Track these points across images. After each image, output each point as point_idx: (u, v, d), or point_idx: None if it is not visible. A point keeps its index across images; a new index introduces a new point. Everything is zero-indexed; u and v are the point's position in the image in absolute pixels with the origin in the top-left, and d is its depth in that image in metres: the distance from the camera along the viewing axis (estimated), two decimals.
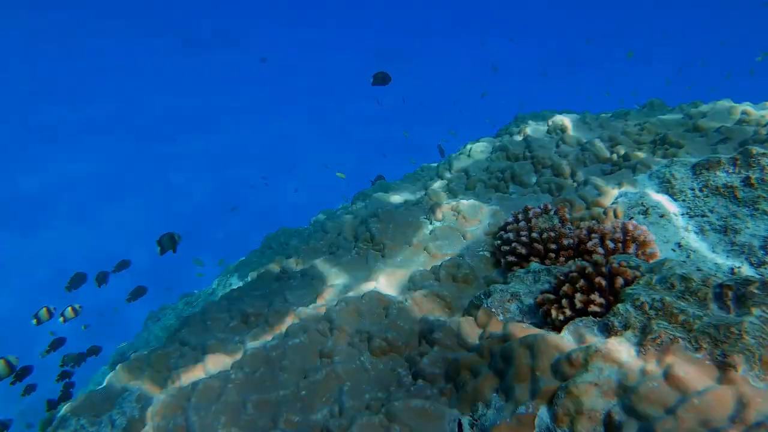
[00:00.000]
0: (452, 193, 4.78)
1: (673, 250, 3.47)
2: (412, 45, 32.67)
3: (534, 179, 4.59)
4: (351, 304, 3.02)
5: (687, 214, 3.66)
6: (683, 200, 3.74)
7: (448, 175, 5.06)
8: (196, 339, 3.63)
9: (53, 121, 25.85)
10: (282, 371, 2.81)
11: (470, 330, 2.61)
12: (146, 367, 3.71)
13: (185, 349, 3.63)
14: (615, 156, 4.49)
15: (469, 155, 5.34)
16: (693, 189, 3.73)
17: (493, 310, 2.58)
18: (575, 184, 4.36)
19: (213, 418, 2.59)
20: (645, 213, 3.75)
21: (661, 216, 3.69)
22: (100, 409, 3.78)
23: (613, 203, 3.77)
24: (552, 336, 2.11)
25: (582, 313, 2.19)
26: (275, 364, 2.85)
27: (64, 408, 3.98)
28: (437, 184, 4.92)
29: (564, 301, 2.24)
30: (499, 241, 3.46)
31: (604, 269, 2.24)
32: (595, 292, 2.16)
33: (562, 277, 2.39)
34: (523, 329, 2.27)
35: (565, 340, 2.10)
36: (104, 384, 4.23)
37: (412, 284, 3.24)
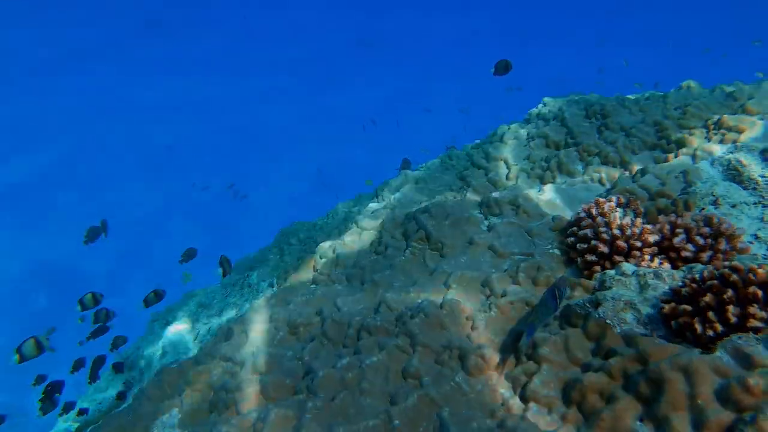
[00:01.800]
0: (493, 184, 4.50)
1: (751, 243, 3.27)
2: (394, 32, 31.51)
3: (581, 168, 4.34)
4: (432, 316, 2.72)
5: (760, 203, 3.47)
6: (754, 188, 3.55)
7: (485, 164, 4.76)
8: (241, 354, 3.28)
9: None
10: (363, 395, 2.50)
11: (580, 344, 2.35)
12: (183, 385, 3.34)
13: (229, 366, 3.27)
14: (665, 142, 4.28)
15: (502, 141, 5.05)
16: (764, 176, 3.54)
17: (608, 321, 2.32)
18: (627, 173, 4.14)
19: None
20: (715, 203, 3.55)
21: (733, 206, 3.50)
22: None
23: (681, 194, 3.55)
24: (709, 357, 1.86)
25: (736, 328, 1.95)
26: (354, 388, 2.53)
27: (89, 430, 3.59)
28: (477, 176, 4.63)
29: (711, 314, 1.99)
30: (573, 238, 3.20)
31: (751, 276, 2.00)
32: (754, 305, 1.91)
33: (694, 285, 2.14)
34: (661, 347, 2.02)
35: (725, 361, 1.86)
36: (129, 402, 3.83)
37: (489, 290, 2.95)
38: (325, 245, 4.34)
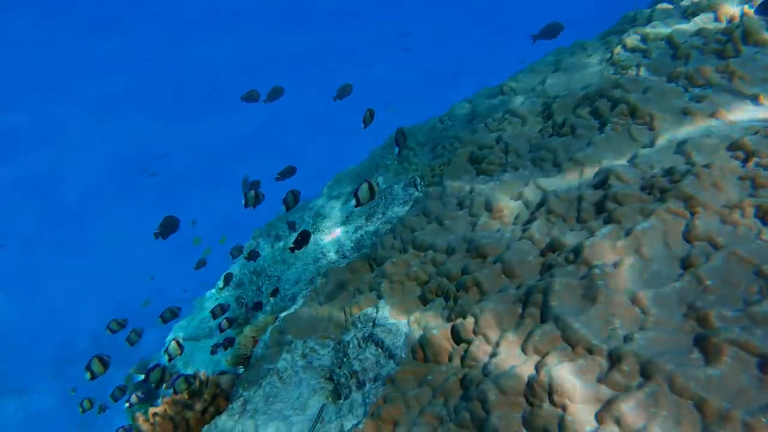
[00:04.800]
0: (661, 65, 4.06)
1: None
2: None
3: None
4: (704, 176, 2.40)
5: None
6: None
7: (642, 45, 4.31)
8: (443, 241, 3.01)
9: None
10: (648, 261, 2.23)
11: None
12: (379, 278, 3.12)
13: (430, 254, 3.02)
14: None
15: (652, 19, 4.55)
16: None
17: None
18: None
19: (615, 325, 2.02)
20: None
21: None
22: (324, 330, 3.23)
23: None
24: None
25: None
26: (632, 255, 2.26)
27: (272, 330, 3.42)
28: (634, 57, 4.19)
29: None
30: None
31: None
32: None
33: None
34: None
35: None
36: (298, 304, 3.65)
37: (742, 152, 2.61)
38: (481, 136, 4.00)
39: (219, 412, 3.71)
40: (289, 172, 4.86)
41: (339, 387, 2.81)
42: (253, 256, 4.81)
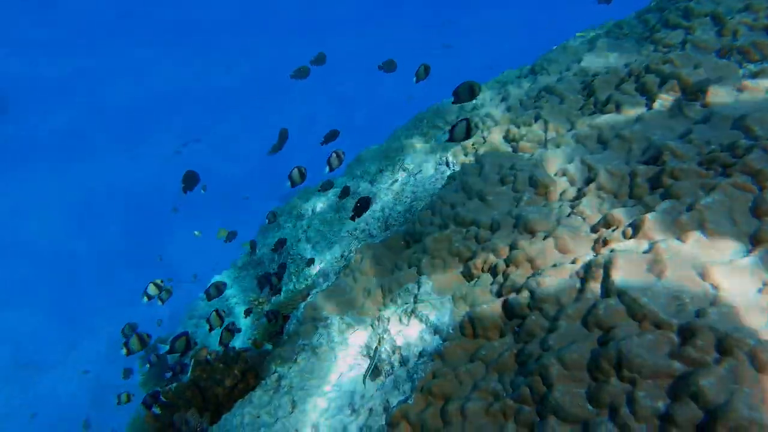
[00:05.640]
0: (702, 42, 3.93)
1: None
2: None
3: None
4: None
5: None
6: None
7: (685, 22, 4.16)
8: (486, 217, 2.93)
9: None
10: (718, 237, 2.14)
11: None
12: (419, 255, 3.05)
13: (473, 230, 2.94)
14: None
15: None
16: None
17: None
18: None
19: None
20: None
21: None
22: (361, 306, 3.17)
23: None
24: None
25: None
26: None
27: (305, 306, 3.36)
28: (677, 35, 4.05)
29: None
30: None
31: None
32: None
33: None
34: None
35: None
36: (335, 281, 3.58)
37: None
38: (517, 114, 3.89)
39: (248, 389, 3.68)
40: (332, 136, 4.81)
41: (379, 363, 2.75)
42: (278, 246, 4.76)
